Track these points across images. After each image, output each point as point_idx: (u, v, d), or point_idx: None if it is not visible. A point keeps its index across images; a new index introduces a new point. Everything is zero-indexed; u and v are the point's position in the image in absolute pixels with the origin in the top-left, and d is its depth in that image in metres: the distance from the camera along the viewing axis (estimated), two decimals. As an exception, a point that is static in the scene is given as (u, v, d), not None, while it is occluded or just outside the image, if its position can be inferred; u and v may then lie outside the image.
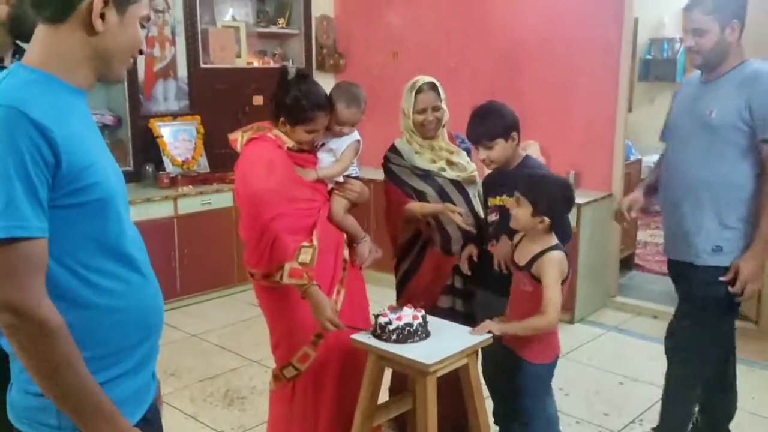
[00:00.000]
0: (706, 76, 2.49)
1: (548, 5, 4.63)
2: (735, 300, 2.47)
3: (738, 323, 4.06)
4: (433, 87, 2.66)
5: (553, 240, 2.33)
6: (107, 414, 1.25)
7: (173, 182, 4.67)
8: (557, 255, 2.29)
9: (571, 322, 4.32)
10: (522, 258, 2.35)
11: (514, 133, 2.51)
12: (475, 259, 2.60)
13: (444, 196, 2.66)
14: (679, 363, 2.66)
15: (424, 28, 5.28)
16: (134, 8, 1.32)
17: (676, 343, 2.70)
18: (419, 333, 2.28)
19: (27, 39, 1.32)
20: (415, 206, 2.65)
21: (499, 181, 2.58)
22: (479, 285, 2.68)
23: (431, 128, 2.65)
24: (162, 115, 4.89)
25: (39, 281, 1.18)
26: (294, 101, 2.32)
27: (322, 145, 2.48)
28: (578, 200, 3.84)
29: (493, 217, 2.60)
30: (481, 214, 2.74)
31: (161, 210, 4.49)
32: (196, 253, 4.64)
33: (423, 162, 2.68)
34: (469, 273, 2.63)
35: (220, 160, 4.89)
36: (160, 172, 4.71)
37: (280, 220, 2.28)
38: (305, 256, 2.28)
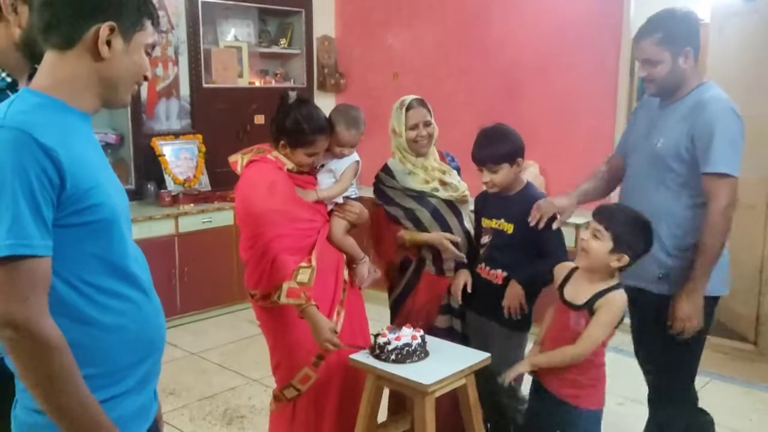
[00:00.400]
0: (662, 101, 2.44)
1: (546, 26, 4.69)
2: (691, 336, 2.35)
3: (736, 344, 4.11)
4: (422, 103, 2.67)
5: (617, 278, 2.19)
6: (104, 430, 1.26)
7: (174, 200, 4.70)
8: (621, 297, 2.14)
9: (570, 341, 4.32)
10: (579, 296, 2.18)
11: (520, 159, 2.53)
12: (469, 289, 2.59)
13: (438, 217, 2.66)
14: (655, 408, 2.57)
15: (424, 49, 5.34)
16: (139, 36, 1.35)
17: (649, 382, 2.61)
18: (418, 353, 2.29)
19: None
20: (406, 235, 2.65)
21: (496, 204, 2.59)
22: (469, 307, 2.67)
23: (424, 143, 2.65)
24: (164, 134, 4.94)
25: (42, 298, 1.20)
26: (295, 125, 2.36)
27: (322, 166, 2.51)
28: (578, 220, 3.85)
29: (485, 239, 2.61)
30: (473, 233, 2.75)
31: (162, 228, 4.51)
32: (196, 270, 4.65)
33: (416, 183, 2.68)
34: (460, 302, 2.63)
35: (222, 179, 4.92)
36: (162, 191, 4.75)
37: (280, 241, 2.30)
38: (303, 276, 2.30)
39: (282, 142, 2.40)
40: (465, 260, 2.62)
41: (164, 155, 4.86)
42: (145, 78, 1.40)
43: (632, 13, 4.38)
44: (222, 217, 4.76)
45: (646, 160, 2.41)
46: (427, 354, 2.32)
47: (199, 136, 5.08)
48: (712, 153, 2.23)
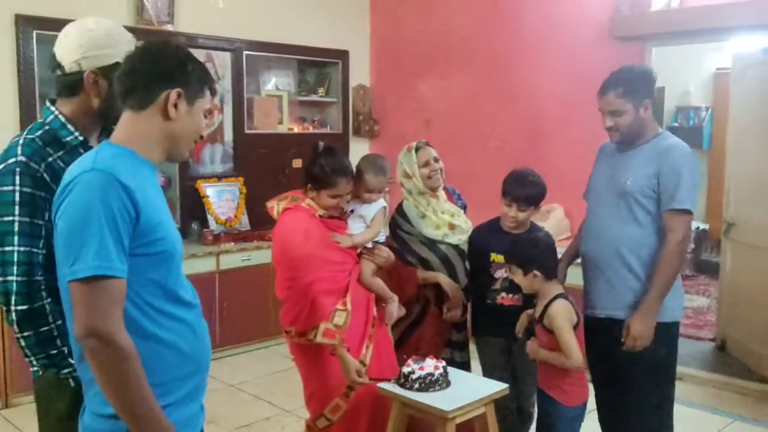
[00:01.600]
0: (623, 147, 2.68)
1: (570, 76, 4.89)
2: (663, 361, 2.57)
3: (758, 386, 4.14)
4: (427, 143, 2.94)
5: (556, 290, 2.57)
6: (165, 429, 1.47)
7: (216, 239, 4.98)
8: (561, 303, 2.51)
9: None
10: (537, 311, 2.59)
11: (541, 205, 2.82)
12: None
13: (447, 263, 2.90)
14: None
15: (455, 97, 5.59)
16: (200, 102, 1.63)
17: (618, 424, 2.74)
18: (440, 382, 2.47)
19: (114, 124, 1.63)
20: (420, 273, 2.88)
21: (506, 240, 2.78)
22: (505, 336, 2.85)
23: (438, 177, 2.90)
24: (208, 177, 5.25)
25: (118, 313, 1.44)
26: (320, 169, 2.61)
27: (352, 211, 2.75)
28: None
29: (502, 272, 2.82)
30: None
31: (204, 265, 4.77)
32: (235, 306, 4.88)
33: (428, 229, 2.90)
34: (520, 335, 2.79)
35: (261, 219, 5.14)
36: (205, 230, 5.03)
37: (318, 284, 2.52)
38: (339, 318, 2.51)
39: (309, 185, 2.64)
40: (464, 302, 2.89)
41: (208, 196, 5.16)
42: (201, 137, 1.67)
43: (653, 63, 4.56)
44: (260, 255, 5.00)
45: (615, 197, 2.64)
46: (448, 384, 2.49)
47: (241, 179, 5.37)
48: (678, 192, 2.49)
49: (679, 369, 4.34)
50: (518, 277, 2.59)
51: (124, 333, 1.43)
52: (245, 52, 5.34)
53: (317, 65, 6.00)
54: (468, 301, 2.94)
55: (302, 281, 2.52)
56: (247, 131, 5.42)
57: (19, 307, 1.64)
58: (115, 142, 1.57)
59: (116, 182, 1.44)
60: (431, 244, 2.91)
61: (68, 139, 1.78)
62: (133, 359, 1.43)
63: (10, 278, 1.64)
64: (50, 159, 1.72)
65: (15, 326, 1.67)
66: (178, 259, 1.63)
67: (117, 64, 1.67)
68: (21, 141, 1.72)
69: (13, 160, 1.67)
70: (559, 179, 4.68)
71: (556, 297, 2.53)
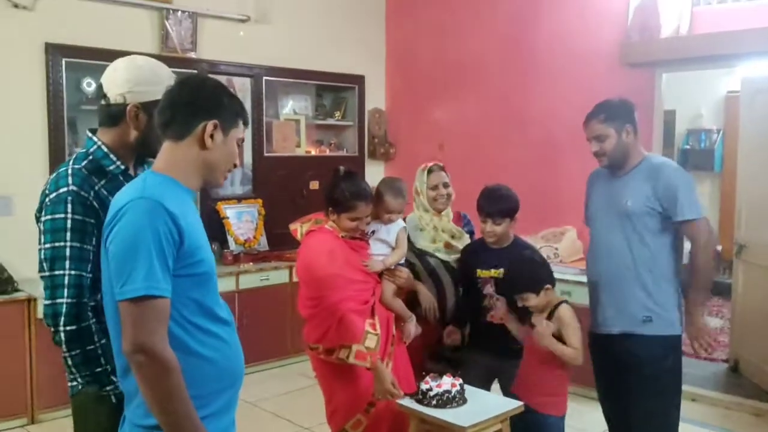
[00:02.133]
0: (616, 172, 2.83)
1: (581, 102, 4.96)
2: (665, 372, 2.71)
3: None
4: (441, 168, 3.10)
5: (558, 297, 2.72)
6: None
7: (236, 259, 5.10)
8: (569, 307, 2.64)
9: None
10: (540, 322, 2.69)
11: (516, 216, 2.92)
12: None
13: (433, 276, 3.02)
14: None
15: (468, 121, 5.70)
16: (234, 131, 1.74)
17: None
18: (457, 399, 2.55)
19: (153, 155, 1.76)
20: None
21: (492, 256, 2.91)
22: (488, 354, 2.94)
23: (443, 201, 3.05)
24: (228, 199, 5.38)
25: (163, 330, 1.54)
26: (340, 193, 2.72)
27: (373, 232, 2.86)
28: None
29: (489, 288, 2.91)
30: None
31: (224, 285, 4.83)
32: (254, 325, 4.96)
33: (423, 241, 3.04)
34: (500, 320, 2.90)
35: (279, 240, 5.26)
36: (225, 250, 5.14)
37: (345, 302, 2.62)
38: (371, 342, 2.61)
39: (330, 208, 2.76)
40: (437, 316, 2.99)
41: (228, 218, 5.28)
42: (235, 165, 1.79)
43: (663, 90, 4.66)
44: (278, 275, 5.12)
45: (618, 219, 2.77)
46: (465, 401, 2.57)
47: (260, 201, 5.50)
48: (685, 203, 2.67)
49: (692, 390, 4.47)
50: (532, 300, 2.67)
51: (168, 348, 1.54)
52: (264, 78, 5.49)
53: (334, 90, 6.14)
54: (445, 319, 3.01)
55: (329, 300, 2.62)
56: (266, 154, 5.56)
57: (68, 328, 1.75)
58: (157, 171, 1.69)
59: (163, 209, 1.56)
60: (421, 254, 3.04)
61: (111, 168, 1.90)
62: (176, 374, 1.53)
63: (59, 300, 1.75)
64: (97, 188, 1.84)
65: (63, 345, 1.77)
66: (215, 279, 1.74)
67: (157, 101, 1.80)
68: (69, 171, 1.83)
69: (65, 189, 1.79)
70: (571, 202, 4.75)
71: (561, 302, 2.67)
